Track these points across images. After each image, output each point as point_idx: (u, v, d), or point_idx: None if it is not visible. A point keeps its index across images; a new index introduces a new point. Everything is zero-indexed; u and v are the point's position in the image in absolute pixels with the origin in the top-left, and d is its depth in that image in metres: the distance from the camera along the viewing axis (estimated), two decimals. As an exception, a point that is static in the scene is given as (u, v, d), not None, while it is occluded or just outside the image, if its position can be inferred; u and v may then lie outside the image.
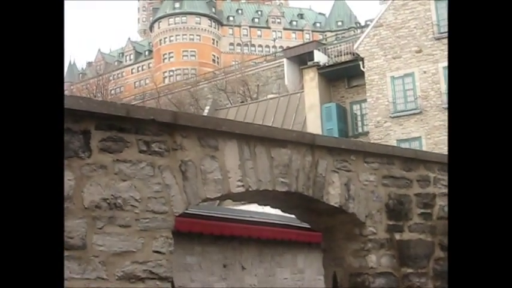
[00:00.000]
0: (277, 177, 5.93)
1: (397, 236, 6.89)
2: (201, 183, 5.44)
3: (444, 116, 29.73)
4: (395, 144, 26.24)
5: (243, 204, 22.30)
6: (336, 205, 6.39)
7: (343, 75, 33.99)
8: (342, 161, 6.53)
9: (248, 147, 5.79)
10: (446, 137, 28.93)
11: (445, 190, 7.63)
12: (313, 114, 32.71)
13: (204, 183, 5.46)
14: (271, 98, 40.79)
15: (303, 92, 35.58)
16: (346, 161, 6.56)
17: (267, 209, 14.95)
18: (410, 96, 30.81)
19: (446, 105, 29.53)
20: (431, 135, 29.74)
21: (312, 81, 33.51)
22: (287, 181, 5.99)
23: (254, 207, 17.56)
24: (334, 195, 6.37)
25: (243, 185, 5.69)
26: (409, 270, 6.95)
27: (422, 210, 7.25)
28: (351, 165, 6.60)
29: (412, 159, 7.31)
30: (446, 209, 7.55)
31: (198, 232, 12.35)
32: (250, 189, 5.74)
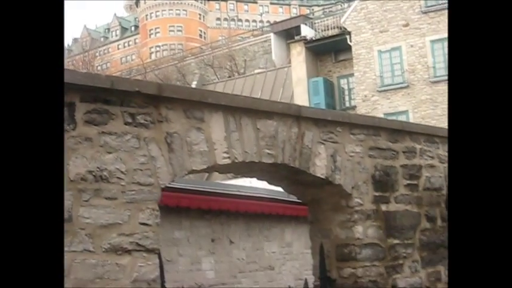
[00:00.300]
0: (263, 148, 5.92)
1: (384, 207, 6.91)
2: (186, 155, 5.43)
3: (431, 90, 29.81)
4: (382, 118, 26.25)
5: (230, 178, 22.32)
6: (323, 176, 6.39)
7: (330, 50, 33.96)
8: (328, 132, 6.52)
9: (234, 119, 5.78)
10: (432, 111, 29.05)
11: (431, 161, 7.66)
12: (300, 89, 32.71)
13: (190, 155, 5.45)
14: (258, 73, 40.77)
15: (290, 66, 35.55)
16: (332, 133, 6.56)
17: (255, 183, 15.00)
18: (397, 70, 30.84)
19: (433, 79, 29.60)
20: (418, 109, 29.82)
21: (299, 55, 33.46)
22: (273, 153, 5.99)
23: (242, 182, 17.62)
24: (320, 167, 6.38)
25: (229, 157, 5.68)
26: (396, 241, 6.98)
27: (409, 182, 7.28)
28: (337, 137, 6.60)
29: (399, 131, 7.33)
30: (432, 180, 7.59)
31: (185, 207, 12.37)
32: (236, 161, 5.73)
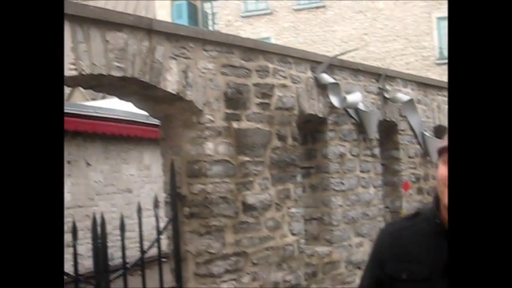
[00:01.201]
0: (112, 61, 5.75)
1: (235, 125, 6.97)
2: (29, 65, 5.19)
3: (294, 18, 30.17)
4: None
5: (88, 100, 21.75)
6: (174, 92, 6.33)
7: (196, -27, 33.49)
8: (180, 47, 6.43)
9: (81, 30, 5.55)
10: (294, 38, 29.46)
11: (284, 81, 7.77)
12: (163, 12, 32.18)
13: (33, 65, 5.21)
14: (121, -5, 39.64)
15: (153, -12, 34.79)
16: (184, 48, 6.47)
17: (113, 105, 14.73)
18: (261, -4, 30.91)
19: (297, 7, 29.94)
20: (281, 35, 30.13)
21: (162, -23, 32.79)
22: (123, 66, 5.83)
23: (102, 103, 17.27)
24: (171, 82, 6.30)
25: (75, 69, 5.47)
26: (246, 159, 7.08)
27: (261, 100, 7.36)
28: (190, 53, 6.53)
29: (252, 49, 7.34)
30: (284, 99, 7.72)
31: (39, 127, 11.98)
32: (83, 73, 5.53)
